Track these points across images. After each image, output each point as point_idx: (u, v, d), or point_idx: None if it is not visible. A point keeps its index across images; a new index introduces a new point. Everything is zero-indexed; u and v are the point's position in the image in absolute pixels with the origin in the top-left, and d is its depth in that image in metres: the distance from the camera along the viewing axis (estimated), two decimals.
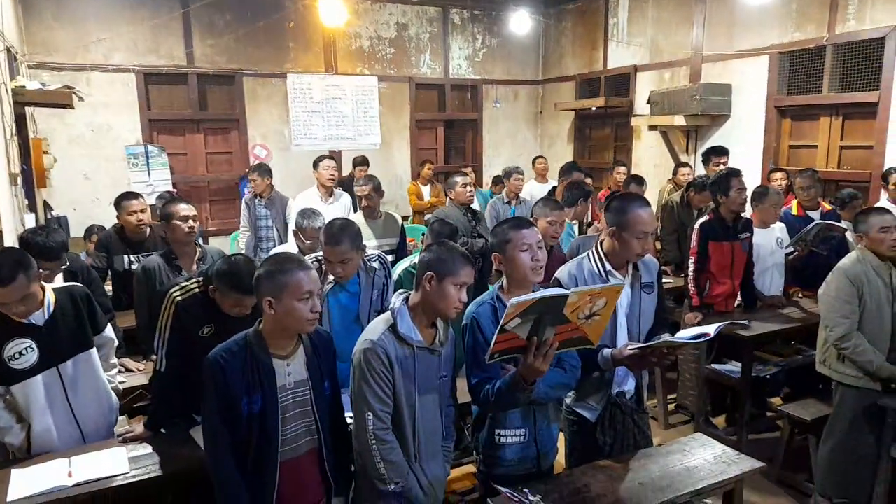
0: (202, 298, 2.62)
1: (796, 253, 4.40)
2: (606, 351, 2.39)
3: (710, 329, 2.23)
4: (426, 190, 7.76)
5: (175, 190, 6.71)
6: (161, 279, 3.35)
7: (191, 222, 3.41)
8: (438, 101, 9.35)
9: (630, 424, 2.63)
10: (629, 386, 2.61)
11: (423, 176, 7.86)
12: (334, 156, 5.19)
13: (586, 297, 1.95)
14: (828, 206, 4.93)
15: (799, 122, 6.39)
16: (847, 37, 5.73)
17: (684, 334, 2.29)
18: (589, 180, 6.35)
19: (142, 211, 4.09)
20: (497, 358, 2.00)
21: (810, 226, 4.28)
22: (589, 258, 2.55)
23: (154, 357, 2.74)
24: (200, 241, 3.69)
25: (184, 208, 3.43)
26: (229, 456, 2.00)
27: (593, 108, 8.45)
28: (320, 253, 3.03)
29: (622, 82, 8.31)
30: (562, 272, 2.56)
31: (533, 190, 6.78)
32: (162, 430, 2.65)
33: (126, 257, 4.08)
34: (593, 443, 2.58)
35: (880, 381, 3.14)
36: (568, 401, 2.62)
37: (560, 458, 3.51)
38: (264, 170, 5.63)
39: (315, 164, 5.16)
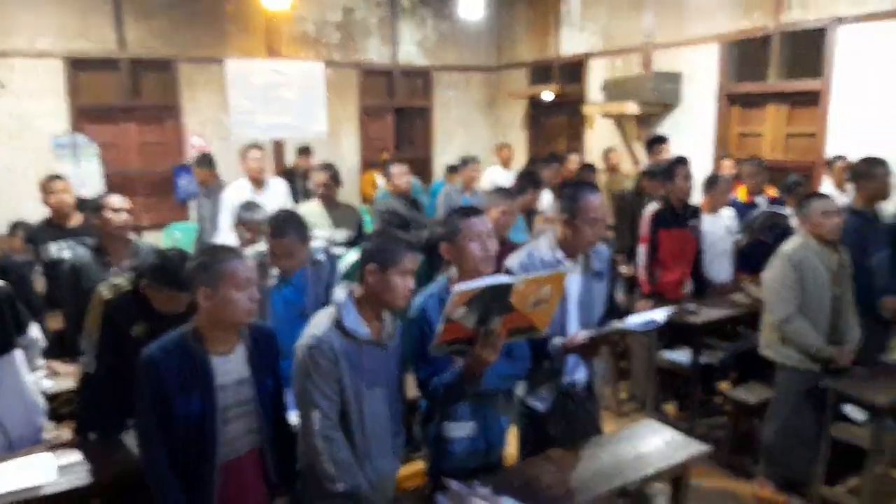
0: (133, 296, 2.53)
1: (744, 239, 4.49)
2: (557, 340, 2.41)
3: (659, 315, 2.26)
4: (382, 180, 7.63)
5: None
6: (90, 276, 3.16)
7: (124, 215, 3.25)
8: (388, 88, 9.18)
9: (581, 414, 2.65)
10: (580, 375, 2.63)
11: (381, 164, 7.69)
12: (262, 145, 4.96)
13: (532, 284, 1.94)
14: (773, 193, 5.06)
15: (747, 109, 6.52)
16: (792, 26, 5.86)
17: (634, 321, 2.30)
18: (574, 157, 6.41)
19: (63, 191, 3.95)
20: (443, 348, 1.97)
21: (755, 213, 4.37)
22: (539, 245, 2.56)
23: (83, 359, 2.62)
24: (133, 235, 3.52)
25: (117, 200, 3.27)
26: (165, 458, 1.94)
27: (542, 95, 8.42)
28: (264, 246, 2.94)
29: (575, 69, 8.32)
30: (512, 261, 2.56)
31: (497, 178, 6.70)
32: (92, 436, 2.55)
33: (54, 245, 3.89)
34: (545, 434, 2.58)
35: (820, 362, 3.22)
36: (519, 393, 2.60)
37: (512, 451, 3.53)
38: (203, 160, 5.43)
39: (242, 155, 4.92)
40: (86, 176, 6.52)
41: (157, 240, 6.43)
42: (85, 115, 7.18)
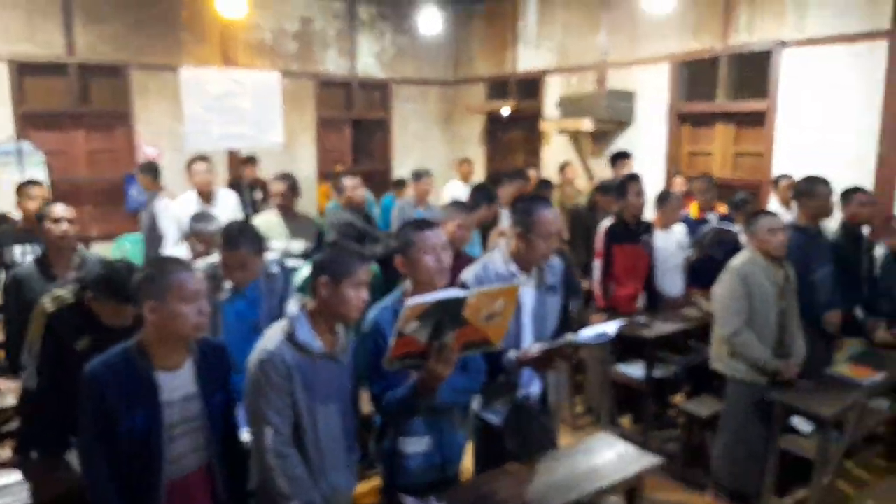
0: (77, 308, 2.47)
1: (694, 254, 4.61)
2: (512, 353, 2.42)
3: (611, 328, 2.29)
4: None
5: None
6: (32, 287, 3.04)
7: (65, 225, 3.13)
8: (346, 99, 9.14)
9: (536, 427, 2.66)
10: (535, 389, 2.64)
11: (335, 176, 7.65)
12: (208, 156, 4.81)
13: (485, 298, 1.94)
14: (723, 210, 5.23)
15: (697, 128, 6.74)
16: (739, 48, 6.10)
17: (586, 334, 2.33)
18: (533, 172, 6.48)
19: (39, 197, 3.90)
20: (396, 363, 1.94)
21: (705, 229, 4.50)
22: (493, 259, 2.58)
23: (24, 374, 2.55)
24: (81, 246, 3.41)
25: (58, 209, 3.16)
26: (108, 477, 1.88)
27: (502, 111, 8.52)
28: (216, 258, 2.86)
29: (532, 85, 8.45)
30: (467, 274, 2.57)
31: (457, 192, 6.71)
32: (34, 454, 2.48)
33: (19, 248, 3.81)
34: (501, 448, 2.58)
35: (767, 375, 3.31)
36: (475, 407, 2.60)
37: (468, 465, 3.51)
38: (146, 167, 5.28)
39: (188, 167, 4.73)
40: None
41: (106, 251, 6.20)
42: (30, 122, 6.89)
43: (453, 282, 2.74)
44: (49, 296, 2.52)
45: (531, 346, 2.43)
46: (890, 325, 4.18)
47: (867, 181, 5.01)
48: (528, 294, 2.54)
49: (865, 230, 4.19)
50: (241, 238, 2.72)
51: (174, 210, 4.53)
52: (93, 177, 7.36)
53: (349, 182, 4.64)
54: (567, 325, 2.73)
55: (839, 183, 4.06)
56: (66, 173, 7.15)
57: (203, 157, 4.72)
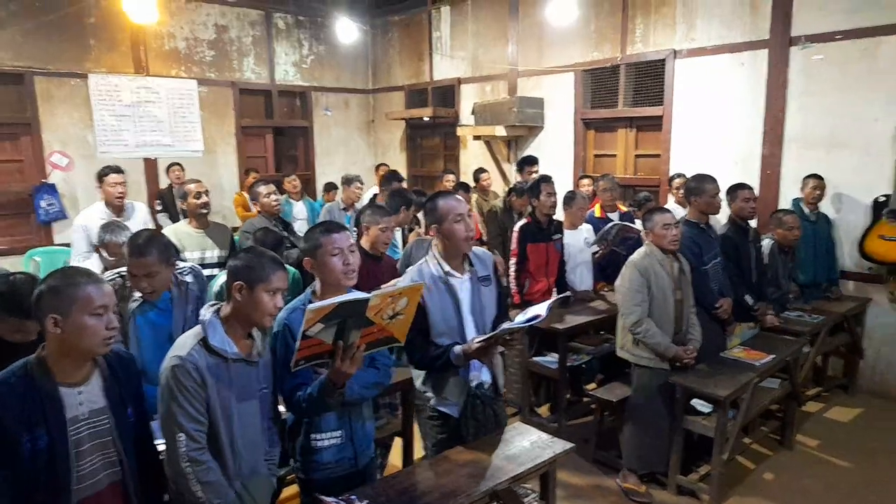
0: None
1: (600, 251, 4.85)
2: (458, 348, 2.50)
3: (542, 309, 2.39)
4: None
5: None
6: None
7: None
8: (266, 107, 9.04)
9: (489, 413, 2.74)
10: (485, 376, 2.72)
11: (248, 185, 7.55)
12: (121, 168, 4.54)
13: (387, 298, 2.00)
14: (624, 209, 5.53)
15: (601, 133, 7.07)
16: (636, 57, 6.46)
17: (520, 318, 2.44)
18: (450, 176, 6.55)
19: None
20: (303, 365, 1.99)
21: (609, 226, 4.75)
22: (427, 262, 2.64)
23: None
24: None
25: None
26: (9, 499, 1.77)
27: (424, 119, 8.67)
28: (123, 268, 2.80)
29: (448, 93, 8.64)
30: (404, 280, 2.64)
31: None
32: None
33: None
34: (457, 436, 2.67)
35: (668, 360, 3.54)
36: (431, 402, 2.66)
37: (393, 459, 3.57)
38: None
39: (100, 178, 4.44)
40: None
41: (14, 266, 5.88)
42: None
43: (379, 283, 2.81)
44: None
45: (472, 339, 2.51)
46: (777, 310, 4.57)
47: (753, 178, 5.43)
48: (464, 288, 2.61)
49: (753, 223, 4.51)
50: (148, 246, 2.67)
51: (81, 221, 4.34)
52: None
53: (262, 189, 4.62)
54: (505, 313, 2.84)
55: (728, 180, 4.37)
56: None
57: (117, 169, 4.50)
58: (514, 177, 7.19)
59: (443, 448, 2.66)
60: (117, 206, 4.45)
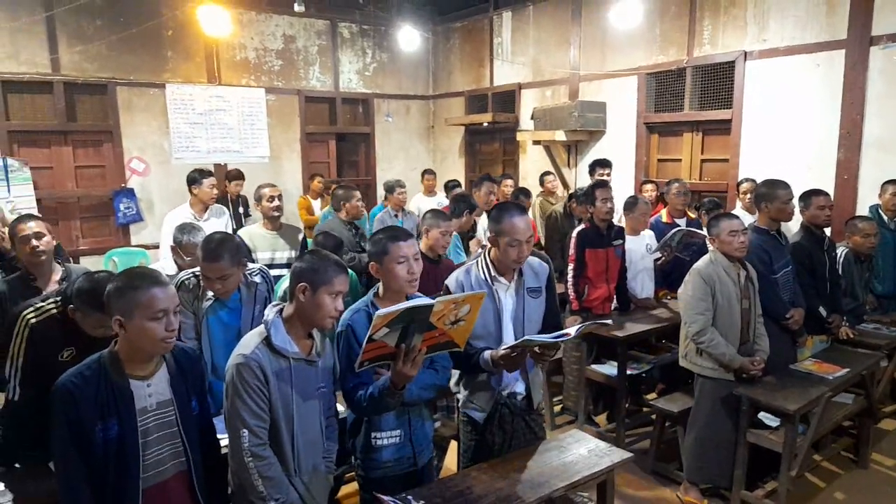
0: (61, 320, 2.47)
1: (663, 258, 4.74)
2: (486, 353, 2.49)
3: (572, 329, 2.37)
4: (317, 204, 7.67)
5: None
6: (16, 301, 3.07)
7: (34, 241, 3.10)
8: (329, 114, 9.28)
9: (520, 425, 2.71)
10: (519, 388, 2.70)
11: (314, 189, 7.80)
12: (214, 172, 4.83)
13: (450, 305, 2.03)
14: (692, 215, 5.38)
15: (665, 137, 6.92)
16: (703, 60, 6.30)
17: (545, 335, 2.41)
18: (509, 181, 6.66)
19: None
20: (367, 366, 2.04)
21: (672, 232, 4.64)
22: (476, 265, 2.64)
23: (7, 386, 2.53)
24: (62, 260, 3.44)
25: (24, 228, 3.13)
26: (84, 487, 1.86)
27: (484, 124, 8.70)
28: (198, 268, 2.92)
29: (508, 98, 8.63)
30: (451, 280, 2.64)
31: (420, 203, 6.89)
32: (17, 465, 2.47)
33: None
34: (484, 443, 2.66)
35: (733, 371, 3.43)
36: (460, 404, 2.68)
37: (449, 463, 3.60)
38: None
39: (196, 181, 4.72)
40: (17, 200, 6.30)
41: (96, 265, 6.26)
42: (16, 138, 6.99)
43: (437, 285, 2.84)
44: (32, 308, 2.50)
45: (500, 347, 2.49)
46: (852, 322, 4.35)
47: (828, 184, 5.19)
48: (508, 297, 2.61)
49: (828, 231, 4.32)
50: (220, 250, 2.76)
51: (171, 220, 4.57)
52: (80, 192, 7.44)
53: (355, 193, 4.81)
54: (557, 327, 2.77)
55: (801, 186, 4.18)
56: (53, 189, 7.23)
57: (211, 174, 4.80)
58: (576, 181, 7.12)
59: (473, 454, 2.66)
60: (205, 208, 4.75)
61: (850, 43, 5.20)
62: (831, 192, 5.11)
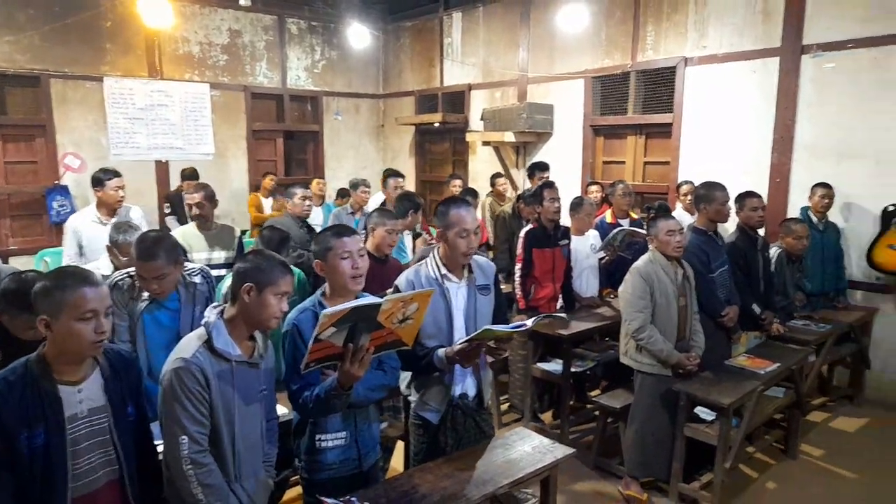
0: None
1: (607, 257, 4.86)
2: (441, 351, 2.49)
3: (529, 321, 2.42)
4: (267, 203, 7.54)
5: None
6: None
7: None
8: (277, 111, 9.12)
9: (471, 425, 2.73)
10: (470, 387, 2.72)
11: (265, 188, 7.65)
12: (119, 171, 4.41)
13: (399, 303, 2.02)
14: (635, 216, 5.52)
15: (610, 139, 7.08)
16: (646, 65, 6.47)
17: (505, 325, 2.45)
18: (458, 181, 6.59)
19: None
20: (313, 367, 2.01)
21: (615, 231, 4.75)
22: (427, 264, 2.65)
23: None
24: None
25: None
26: (10, 498, 1.77)
27: (434, 124, 8.71)
28: (133, 268, 2.82)
29: (458, 99, 8.67)
30: (400, 279, 2.64)
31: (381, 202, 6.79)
32: None
33: None
34: (436, 445, 2.66)
35: (671, 367, 3.54)
36: (413, 406, 2.68)
37: (396, 464, 3.59)
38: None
39: (100, 182, 4.30)
40: None
41: (26, 266, 5.96)
42: None
43: (383, 285, 2.83)
44: None
45: (455, 342, 2.50)
46: (783, 319, 4.55)
47: (762, 187, 5.42)
48: (459, 294, 2.62)
49: (762, 232, 4.49)
50: (155, 248, 2.69)
51: (72, 224, 4.29)
52: (10, 188, 7.09)
53: (297, 191, 4.73)
54: (505, 324, 2.74)
55: (737, 188, 4.35)
56: None
57: (118, 173, 4.38)
58: (524, 182, 7.21)
59: (425, 457, 2.66)
60: (112, 210, 4.38)
61: (784, 51, 5.42)
62: (765, 194, 5.35)
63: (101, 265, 3.57)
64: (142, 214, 4.66)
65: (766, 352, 4.04)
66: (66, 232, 4.33)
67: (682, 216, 5.39)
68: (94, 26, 7.26)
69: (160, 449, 2.14)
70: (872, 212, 5.01)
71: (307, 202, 4.78)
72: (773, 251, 4.66)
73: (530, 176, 6.20)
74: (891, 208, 4.85)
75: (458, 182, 7.05)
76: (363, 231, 3.67)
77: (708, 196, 3.94)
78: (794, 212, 5.28)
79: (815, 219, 5.02)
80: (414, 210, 4.34)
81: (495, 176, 7.07)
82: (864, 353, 5.04)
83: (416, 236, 4.98)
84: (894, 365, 5.04)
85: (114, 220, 4.29)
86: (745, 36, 5.69)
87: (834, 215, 5.15)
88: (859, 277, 5.19)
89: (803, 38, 5.31)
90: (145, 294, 2.80)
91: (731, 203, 4.11)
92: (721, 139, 5.90)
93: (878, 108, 4.94)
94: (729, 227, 4.60)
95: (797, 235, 4.63)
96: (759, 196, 4.24)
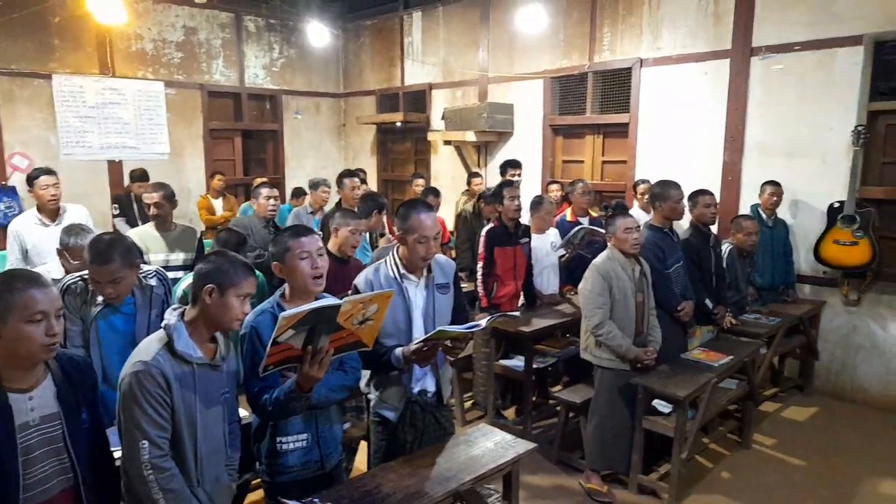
0: None
1: (567, 255, 4.93)
2: (398, 350, 2.49)
3: (483, 321, 2.45)
4: (218, 203, 7.37)
5: None
6: None
7: None
8: (234, 110, 8.97)
9: (431, 421, 2.74)
10: (429, 384, 2.72)
11: (214, 188, 7.46)
12: (52, 169, 4.25)
13: (358, 304, 2.02)
14: (594, 214, 5.62)
15: (569, 139, 7.18)
16: (603, 65, 6.58)
17: (459, 326, 2.47)
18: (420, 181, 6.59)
19: None
20: (271, 370, 2.00)
21: (575, 230, 4.84)
22: (385, 263, 2.65)
23: None
24: None
25: None
26: None
27: (396, 124, 8.70)
28: (86, 271, 2.74)
29: (419, 98, 8.67)
30: (359, 279, 2.63)
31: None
32: None
33: None
34: (396, 442, 2.67)
35: (629, 362, 3.62)
36: (372, 404, 2.67)
37: (359, 464, 3.58)
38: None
39: (30, 182, 4.16)
40: None
41: None
42: None
43: (345, 285, 2.82)
44: None
45: (412, 342, 2.50)
46: (735, 313, 4.69)
47: (715, 185, 5.56)
48: (418, 293, 2.63)
49: (714, 228, 4.63)
50: (110, 251, 2.62)
51: (13, 227, 4.13)
52: None
53: (263, 191, 4.68)
54: (465, 322, 2.76)
55: (691, 187, 4.45)
56: None
57: (48, 171, 4.19)
58: (486, 181, 7.25)
59: (385, 454, 2.66)
60: (51, 210, 4.21)
61: (734, 53, 5.58)
62: (717, 192, 5.48)
63: (51, 269, 3.46)
64: (87, 214, 4.48)
65: (719, 345, 4.17)
66: (8, 236, 4.16)
67: (639, 214, 5.51)
68: (41, 22, 7.01)
69: (117, 455, 2.09)
70: (819, 208, 5.19)
71: (272, 202, 4.73)
72: (725, 247, 4.80)
73: (502, 173, 6.25)
74: (836, 205, 5.03)
75: (420, 181, 7.05)
76: (320, 232, 3.65)
77: (663, 194, 4.04)
78: (745, 209, 5.44)
79: (764, 216, 5.19)
80: (378, 210, 4.33)
81: (472, 175, 7.07)
82: (812, 345, 5.23)
83: (380, 236, 4.97)
84: (841, 356, 5.24)
85: (56, 222, 4.16)
86: (697, 38, 5.84)
87: (783, 212, 5.33)
88: (807, 272, 5.38)
89: (752, 40, 5.47)
90: (99, 298, 2.73)
91: (685, 201, 4.22)
92: (675, 139, 6.04)
93: (823, 109, 5.13)
94: (684, 224, 4.71)
95: (747, 232, 4.78)
96: (711, 194, 4.35)
